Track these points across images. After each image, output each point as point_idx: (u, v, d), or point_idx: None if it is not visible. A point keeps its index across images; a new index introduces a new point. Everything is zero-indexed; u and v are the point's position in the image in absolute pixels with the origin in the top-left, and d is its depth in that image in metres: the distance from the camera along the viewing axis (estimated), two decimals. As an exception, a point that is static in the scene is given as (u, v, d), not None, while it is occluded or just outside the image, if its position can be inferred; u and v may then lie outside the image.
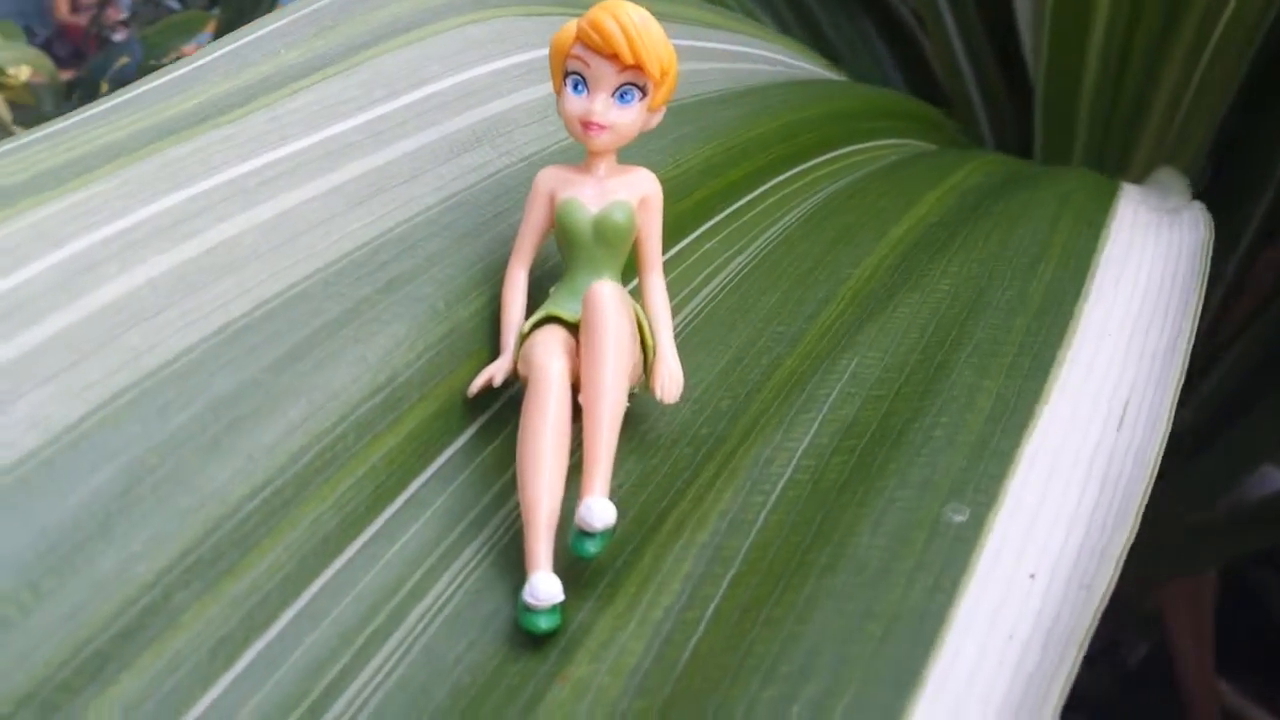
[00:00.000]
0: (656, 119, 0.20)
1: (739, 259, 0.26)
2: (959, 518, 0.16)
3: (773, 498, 0.18)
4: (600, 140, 0.20)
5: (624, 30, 0.19)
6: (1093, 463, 0.18)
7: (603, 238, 0.20)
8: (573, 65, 0.20)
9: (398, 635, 0.17)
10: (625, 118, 0.20)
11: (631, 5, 0.19)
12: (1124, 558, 0.16)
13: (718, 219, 0.27)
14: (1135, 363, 0.21)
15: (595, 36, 0.19)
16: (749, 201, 0.28)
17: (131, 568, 0.15)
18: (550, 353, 0.18)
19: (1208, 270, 0.23)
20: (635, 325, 0.19)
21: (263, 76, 0.23)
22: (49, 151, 0.20)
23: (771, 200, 0.29)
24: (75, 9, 2.24)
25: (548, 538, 0.17)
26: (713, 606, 0.16)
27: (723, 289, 0.25)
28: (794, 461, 0.18)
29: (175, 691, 0.15)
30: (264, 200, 0.20)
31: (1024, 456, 0.17)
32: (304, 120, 0.22)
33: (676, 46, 0.30)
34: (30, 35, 2.32)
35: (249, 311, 0.19)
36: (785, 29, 0.65)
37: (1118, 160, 0.49)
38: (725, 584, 0.16)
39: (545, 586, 0.16)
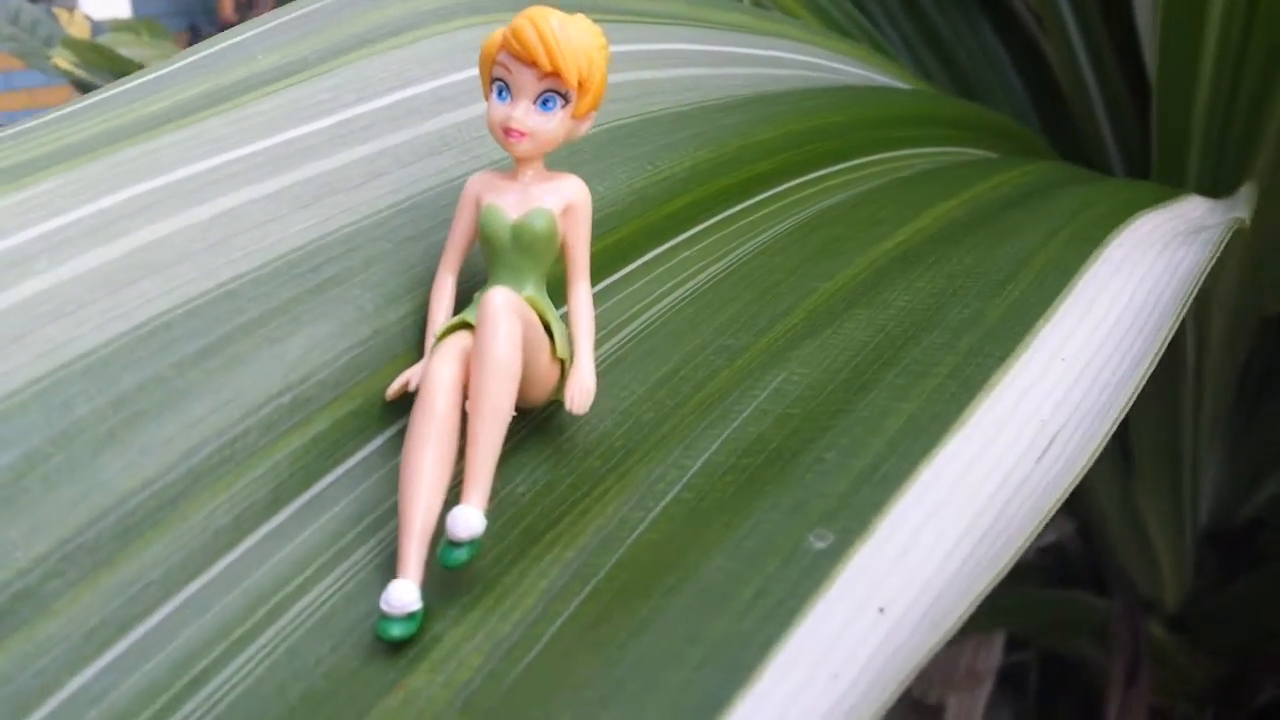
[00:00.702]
0: (584, 127, 0.20)
1: (713, 269, 0.25)
2: (820, 544, 0.16)
3: (651, 515, 0.17)
4: (521, 147, 0.20)
5: (542, 38, 0.19)
6: (994, 495, 0.17)
7: (521, 244, 0.20)
8: (497, 72, 0.20)
9: (270, 632, 0.17)
10: (546, 125, 0.19)
11: (555, 14, 0.19)
12: (983, 596, 0.15)
13: (700, 227, 0.27)
14: (1082, 392, 0.19)
15: (515, 44, 0.19)
16: (740, 210, 0.28)
17: (8, 554, 0.16)
18: (444, 359, 0.18)
19: (1190, 298, 0.22)
20: (540, 333, 0.19)
21: (234, 80, 0.24)
22: (11, 150, 0.21)
23: (767, 210, 0.28)
24: (239, 7, 2.34)
25: (418, 546, 0.17)
26: (558, 624, 0.16)
27: (685, 299, 0.24)
28: (684, 479, 0.18)
29: (41, 674, 0.16)
30: (205, 201, 0.21)
31: (914, 484, 0.17)
32: (266, 123, 0.23)
33: (678, 51, 0.30)
34: (195, 33, 2.44)
35: (170, 309, 0.19)
36: (904, 37, 0.64)
37: (1233, 175, 0.47)
38: (577, 601, 0.16)
39: (399, 594, 0.16)
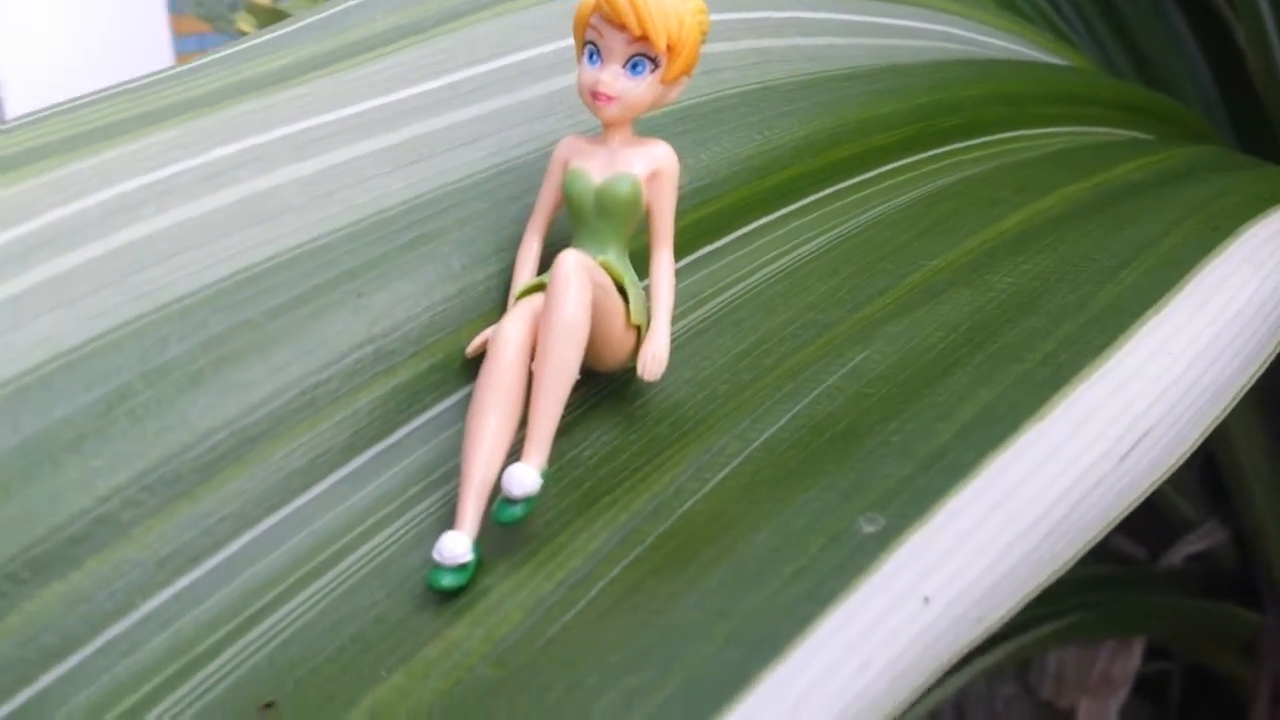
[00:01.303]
0: (675, 93, 0.20)
1: (816, 242, 0.25)
2: (870, 528, 0.15)
3: (709, 486, 0.17)
4: (609, 111, 0.20)
5: (632, 1, 0.19)
6: (1066, 492, 0.16)
7: (605, 209, 0.20)
8: (589, 35, 0.20)
9: (332, 574, 0.18)
10: (634, 88, 0.19)
11: (645, -26, 0.19)
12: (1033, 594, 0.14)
13: (807, 200, 0.26)
14: (1182, 390, 0.18)
15: (606, 7, 0.19)
16: (854, 185, 0.27)
17: (92, 481, 0.17)
18: (515, 319, 0.18)
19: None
20: (615, 298, 0.19)
21: (353, 40, 0.24)
22: (131, 103, 0.22)
23: (883, 185, 0.28)
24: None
25: (475, 501, 0.17)
26: (599, 587, 0.16)
27: (782, 272, 0.24)
28: (745, 452, 0.18)
29: (115, 595, 0.17)
30: (312, 156, 0.21)
31: (980, 474, 0.16)
32: (377, 83, 0.23)
33: (803, 19, 0.29)
34: None
35: (268, 259, 0.20)
36: (1086, 21, 0.61)
37: None
38: (621, 566, 0.16)
39: (451, 545, 0.16)
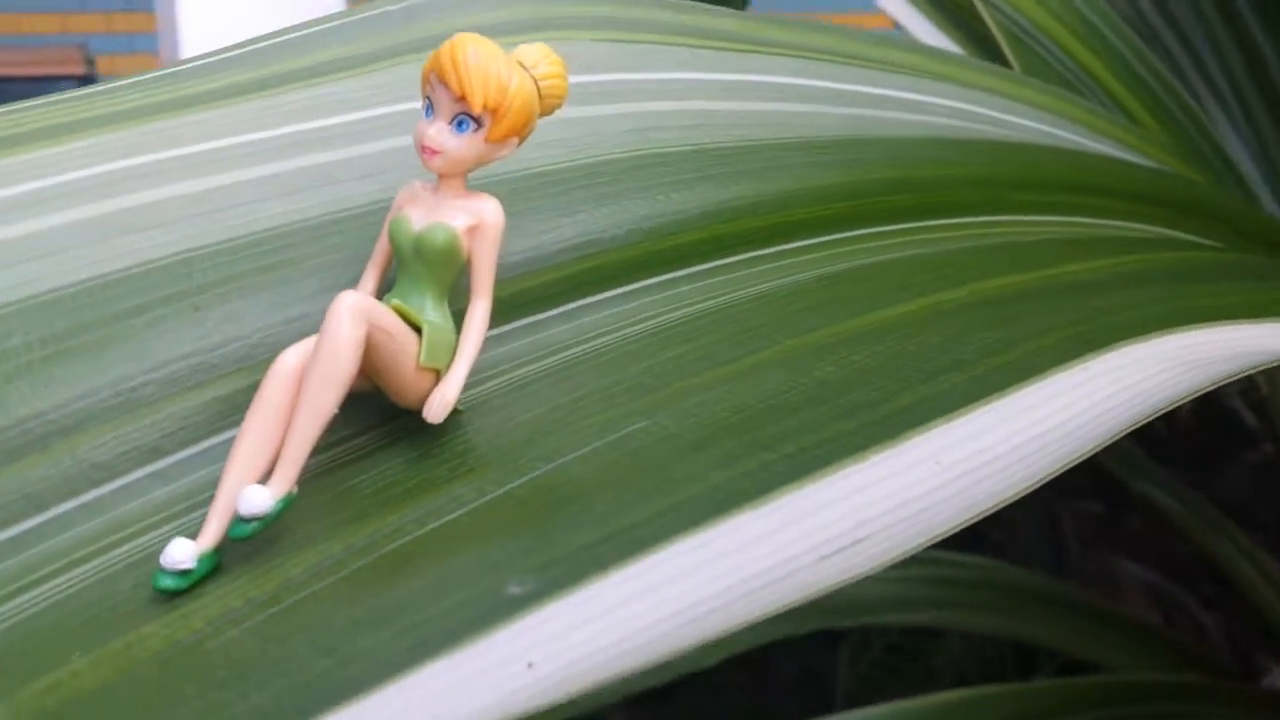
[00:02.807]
0: (504, 151, 0.21)
1: (698, 306, 0.25)
2: (517, 589, 0.16)
3: (423, 530, 0.18)
4: (433, 163, 0.21)
5: (454, 64, 0.20)
6: (738, 585, 0.16)
7: (421, 255, 0.21)
8: (426, 90, 0.21)
9: (102, 560, 0.19)
10: (456, 145, 0.20)
11: (476, 42, 0.20)
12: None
13: (707, 265, 0.27)
14: (927, 504, 0.18)
15: (434, 66, 0.20)
16: (766, 254, 0.27)
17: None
18: (295, 349, 0.19)
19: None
20: (403, 339, 0.20)
21: (280, 72, 0.26)
22: (62, 112, 0.24)
23: (800, 258, 0.28)
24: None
25: (218, 516, 0.18)
26: (268, 612, 0.17)
27: (646, 333, 0.24)
28: (475, 503, 0.18)
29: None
30: (204, 175, 0.23)
31: (656, 552, 0.16)
32: (288, 112, 0.25)
33: (769, 84, 0.29)
34: None
35: (125, 268, 0.22)
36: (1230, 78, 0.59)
37: None
38: (303, 594, 0.17)
39: (175, 551, 0.18)
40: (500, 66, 0.20)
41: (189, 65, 0.27)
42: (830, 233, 0.29)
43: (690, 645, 0.15)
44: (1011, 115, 0.38)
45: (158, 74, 0.26)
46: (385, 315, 0.20)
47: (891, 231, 0.30)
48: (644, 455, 0.19)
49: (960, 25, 0.55)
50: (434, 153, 0.21)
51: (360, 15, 0.28)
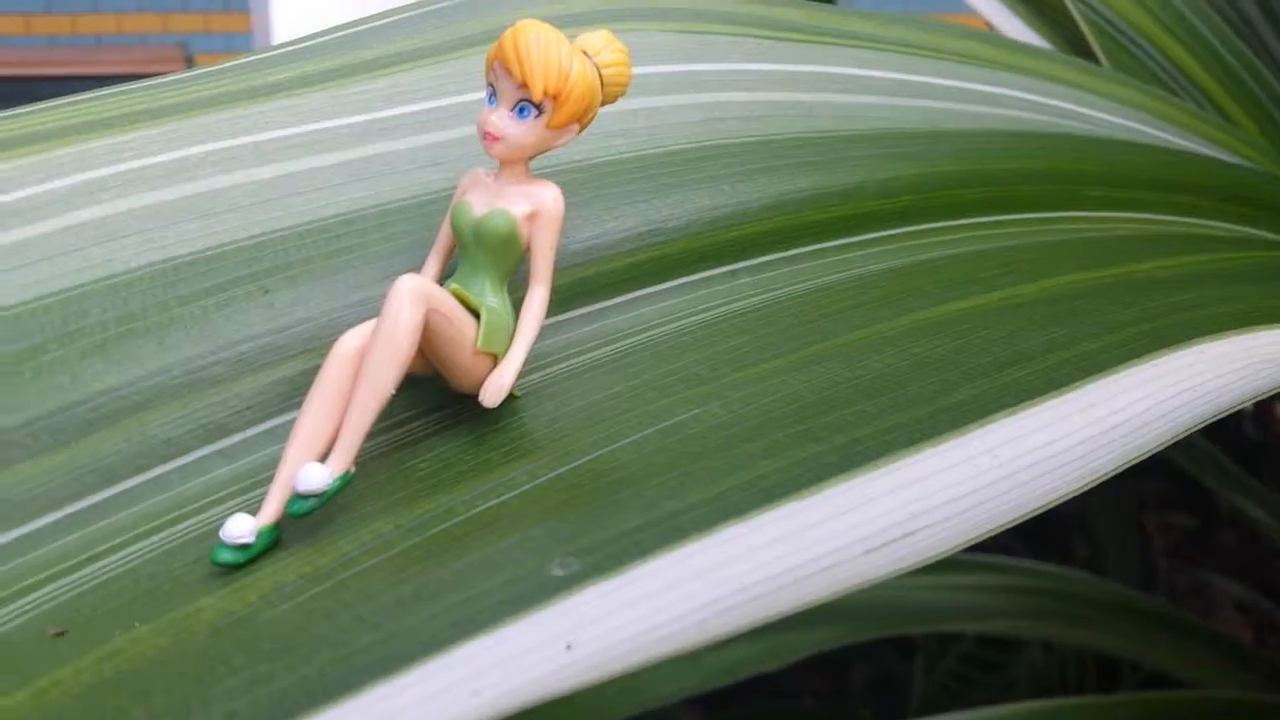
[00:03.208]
0: (566, 138, 0.21)
1: (758, 298, 0.25)
2: (560, 571, 0.16)
3: (474, 511, 0.18)
4: (495, 149, 0.21)
5: (516, 50, 0.20)
6: (787, 573, 0.16)
7: (482, 241, 0.21)
8: (489, 78, 0.21)
9: (165, 534, 0.20)
10: (517, 131, 0.21)
11: (539, 28, 0.20)
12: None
13: (769, 258, 0.27)
14: (981, 500, 0.18)
15: (498, 52, 0.20)
16: (831, 247, 0.27)
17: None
18: (356, 332, 0.20)
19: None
20: (461, 324, 0.20)
21: (349, 63, 0.27)
22: (134, 100, 0.25)
23: (863, 251, 0.27)
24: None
25: (278, 492, 0.19)
26: (321, 587, 0.17)
27: (705, 324, 0.24)
28: (526, 486, 0.19)
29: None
30: (272, 163, 0.24)
31: (703, 539, 0.16)
32: (356, 103, 0.26)
33: (838, 75, 0.29)
34: None
35: (197, 251, 0.22)
36: None
37: None
38: (352, 571, 0.17)
39: (234, 526, 0.18)
40: (562, 53, 0.20)
41: (262, 55, 0.27)
42: (896, 226, 0.28)
43: (728, 632, 0.15)
44: (1095, 110, 0.37)
45: (231, 64, 0.27)
46: (444, 299, 0.20)
47: (959, 226, 0.29)
48: (694, 443, 0.19)
49: (1053, 25, 0.54)
50: (495, 139, 0.21)
51: (430, 7, 0.29)
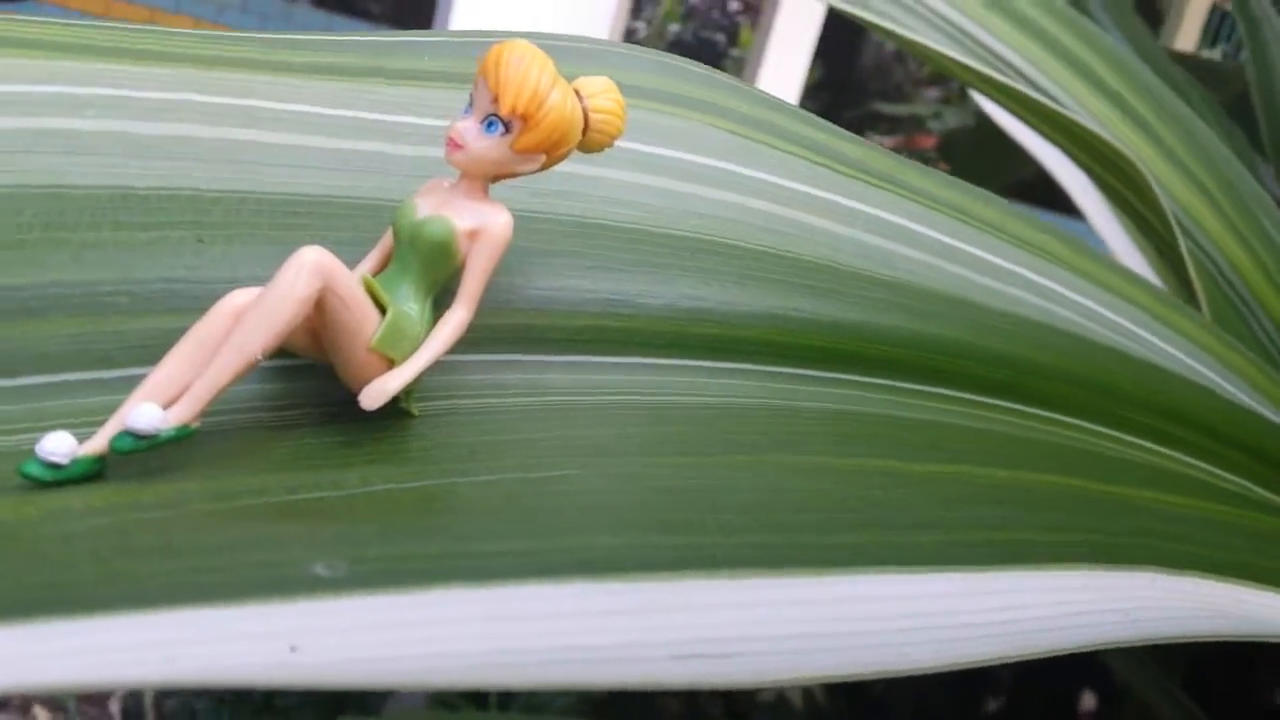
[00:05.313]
0: (529, 165, 0.20)
1: (713, 400, 0.24)
2: (325, 572, 0.14)
3: (283, 499, 0.17)
4: (453, 156, 0.20)
5: (496, 63, 0.20)
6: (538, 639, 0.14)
7: (415, 244, 0.20)
8: (471, 87, 0.20)
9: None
10: (479, 144, 0.20)
11: (528, 48, 0.20)
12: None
13: (745, 366, 0.25)
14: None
15: (481, 63, 0.20)
16: (806, 376, 0.26)
17: None
18: (247, 290, 0.19)
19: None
20: (362, 313, 0.19)
21: (385, 66, 0.27)
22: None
23: (813, 388, 0.26)
24: None
25: (114, 423, 0.18)
26: (96, 521, 0.16)
27: (660, 405, 0.23)
28: (349, 491, 0.17)
29: None
30: (259, 128, 0.24)
31: (503, 588, 0.15)
32: (382, 102, 0.25)
33: (880, 220, 0.28)
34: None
35: (156, 188, 0.22)
36: None
37: None
38: (136, 516, 0.16)
39: (52, 443, 0.17)
40: (542, 78, 0.20)
41: (297, 36, 0.27)
42: (885, 376, 0.27)
43: (475, 687, 0.13)
44: (1153, 336, 0.35)
45: (259, 36, 0.27)
46: (347, 283, 0.19)
47: (955, 398, 0.27)
48: (548, 500, 0.18)
49: (1156, 247, 0.52)
50: (457, 146, 0.20)
51: (486, 38, 0.28)
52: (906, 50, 0.49)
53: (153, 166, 0.22)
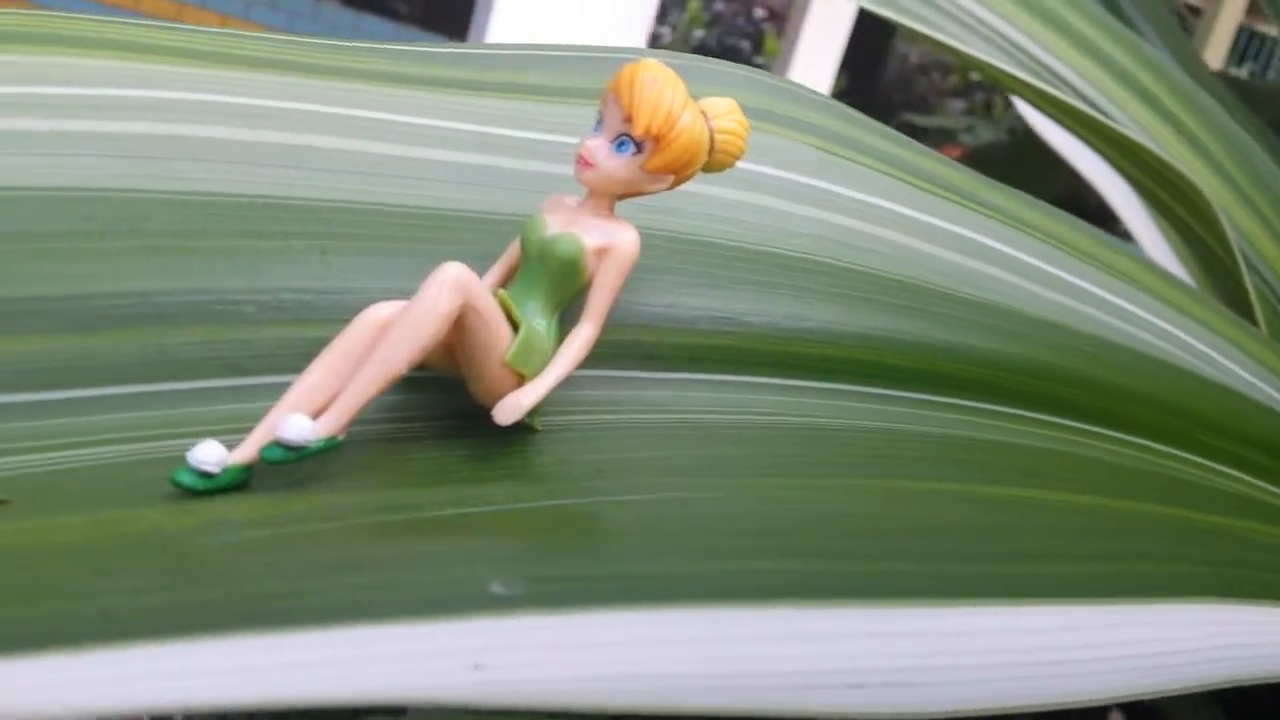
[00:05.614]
0: (658, 185, 0.21)
1: (820, 421, 0.24)
2: (500, 590, 0.15)
3: (442, 513, 0.17)
4: (583, 175, 0.20)
5: (630, 83, 0.20)
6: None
7: (544, 261, 0.20)
8: (601, 106, 0.21)
9: (153, 445, 0.19)
10: (610, 163, 0.20)
11: (661, 68, 0.20)
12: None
13: (854, 388, 0.25)
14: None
15: (613, 80, 0.20)
16: (907, 398, 0.26)
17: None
18: (389, 304, 0.19)
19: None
20: (496, 328, 0.19)
21: (500, 80, 0.27)
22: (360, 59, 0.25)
23: (917, 411, 0.26)
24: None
25: (261, 432, 0.18)
26: (263, 533, 0.16)
27: (761, 424, 0.23)
28: (494, 507, 0.18)
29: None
30: (395, 143, 0.24)
31: (627, 614, 0.15)
32: (500, 116, 0.25)
33: (976, 243, 0.28)
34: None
35: (281, 197, 0.22)
36: None
37: None
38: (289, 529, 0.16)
39: (204, 451, 0.17)
40: (675, 99, 0.20)
41: (411, 48, 0.27)
42: (978, 399, 0.27)
43: (636, 708, 0.14)
44: (1232, 363, 0.35)
45: (369, 46, 0.27)
46: (485, 299, 0.19)
47: (1045, 422, 0.28)
48: (688, 522, 0.18)
49: (1208, 266, 0.52)
50: (587, 165, 0.20)
51: (607, 54, 0.29)
52: (964, 64, 0.49)
53: (274, 175, 0.23)
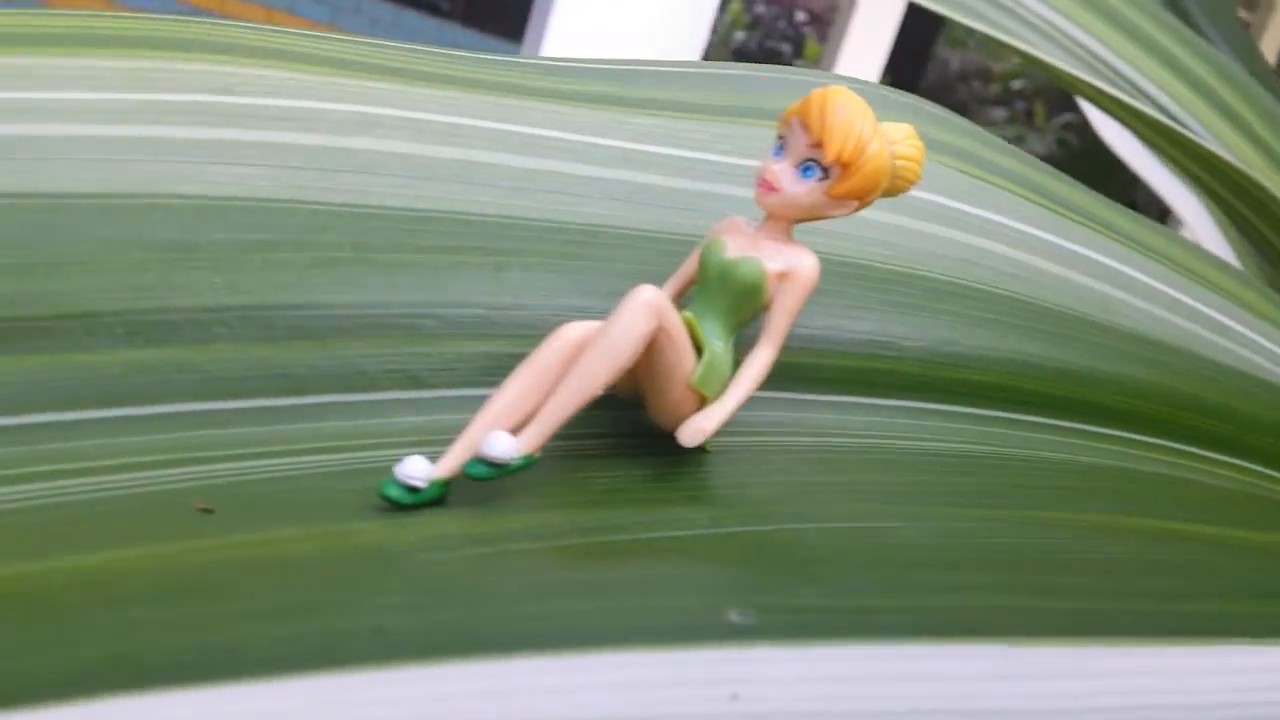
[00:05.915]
0: (840, 210, 0.21)
1: (934, 445, 0.24)
2: (738, 619, 0.15)
3: (650, 535, 0.17)
4: (766, 199, 0.20)
5: (820, 108, 0.20)
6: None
7: (725, 284, 0.20)
8: (782, 130, 0.21)
9: (353, 455, 0.19)
10: (795, 187, 0.20)
11: (851, 94, 0.20)
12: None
13: (997, 414, 0.25)
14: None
15: (801, 105, 0.20)
16: (1058, 426, 0.26)
17: (203, 291, 0.20)
18: (582, 324, 0.19)
19: None
20: (682, 350, 0.19)
21: (643, 96, 0.27)
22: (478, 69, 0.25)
23: (1087, 443, 0.26)
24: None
25: (462, 447, 0.18)
26: (471, 552, 0.16)
27: (903, 450, 0.23)
28: (697, 531, 0.18)
29: (158, 385, 0.19)
30: (540, 157, 0.24)
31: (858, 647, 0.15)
32: (645, 133, 0.25)
33: (1113, 271, 0.28)
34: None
35: (449, 211, 0.22)
36: None
37: None
38: (512, 547, 0.16)
39: (411, 466, 0.17)
40: (866, 126, 0.20)
41: (558, 62, 0.28)
42: (1130, 430, 0.27)
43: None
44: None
45: (509, 59, 0.27)
46: (676, 322, 0.19)
47: (1196, 454, 0.27)
48: (889, 552, 0.18)
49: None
50: (772, 189, 0.20)
51: (726, 70, 0.29)
52: (1039, 70, 0.48)
53: (444, 190, 0.23)
